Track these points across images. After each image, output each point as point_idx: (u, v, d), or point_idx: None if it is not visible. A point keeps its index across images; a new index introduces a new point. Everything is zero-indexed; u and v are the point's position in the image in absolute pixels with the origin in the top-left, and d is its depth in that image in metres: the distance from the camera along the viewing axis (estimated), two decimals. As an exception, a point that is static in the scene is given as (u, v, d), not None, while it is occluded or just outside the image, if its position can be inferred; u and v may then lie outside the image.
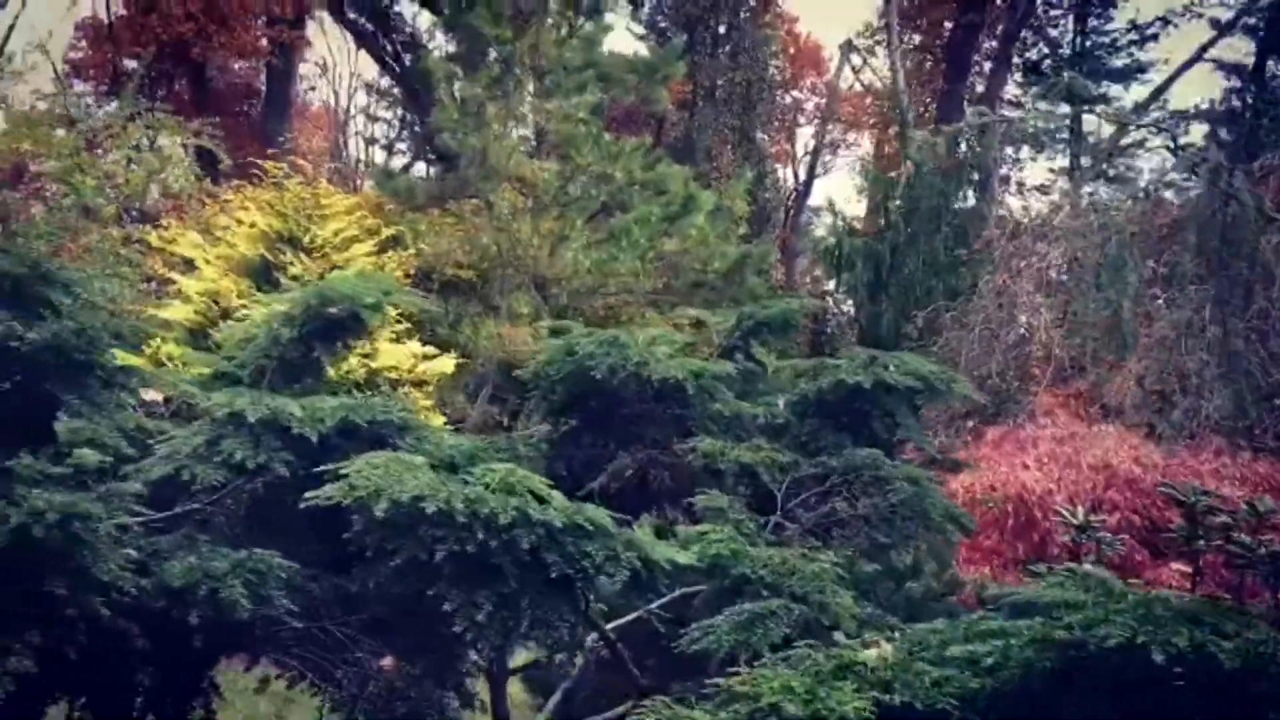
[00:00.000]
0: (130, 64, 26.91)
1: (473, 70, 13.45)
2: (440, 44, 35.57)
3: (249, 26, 20.24)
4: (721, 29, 23.73)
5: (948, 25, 26.68)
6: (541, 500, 3.44)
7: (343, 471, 3.40)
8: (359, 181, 29.61)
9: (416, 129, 37.56)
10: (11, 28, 28.24)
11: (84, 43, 27.68)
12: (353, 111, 40.70)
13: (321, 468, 3.54)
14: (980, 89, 25.23)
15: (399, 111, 39.02)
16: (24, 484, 3.37)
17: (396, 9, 32.96)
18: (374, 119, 39.87)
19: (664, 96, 15.49)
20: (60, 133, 10.51)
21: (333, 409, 3.94)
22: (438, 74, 12.96)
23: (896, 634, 3.04)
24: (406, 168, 32.40)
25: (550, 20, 13.11)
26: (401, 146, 38.69)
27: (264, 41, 22.26)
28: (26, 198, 10.60)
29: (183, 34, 18.93)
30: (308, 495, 3.42)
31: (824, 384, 4.95)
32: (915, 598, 5.22)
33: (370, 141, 39.62)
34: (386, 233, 11.15)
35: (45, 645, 3.27)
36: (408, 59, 34.23)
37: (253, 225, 10.43)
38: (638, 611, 4.11)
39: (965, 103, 24.47)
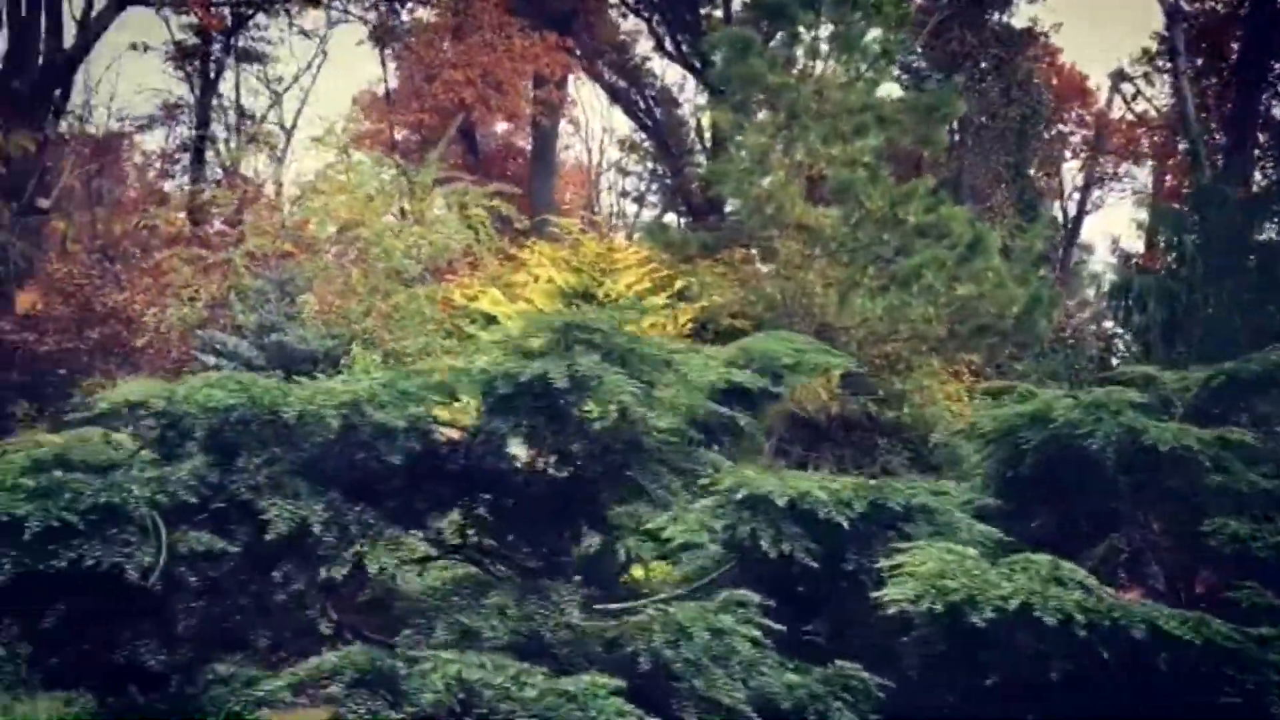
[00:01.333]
0: (402, 133, 28.68)
1: (744, 118, 13.40)
2: (689, 96, 36.14)
3: (519, 89, 21.07)
4: (983, 64, 22.95)
5: (1234, 45, 24.88)
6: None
7: (900, 566, 3.02)
8: (613, 235, 30.19)
9: (667, 181, 38.25)
10: (299, 113, 30.49)
11: (360, 114, 29.62)
12: (604, 166, 41.88)
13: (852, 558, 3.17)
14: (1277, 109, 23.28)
15: (649, 165, 39.87)
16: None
17: (648, 64, 33.76)
18: (625, 173, 40.91)
19: (941, 137, 15.00)
20: (375, 200, 11.06)
21: (855, 488, 3.61)
22: (723, 124, 12.94)
23: None
24: (657, 219, 32.91)
25: (832, 65, 12.90)
26: (652, 199, 39.54)
27: (529, 104, 23.13)
28: (343, 262, 11.23)
29: (463, 100, 19.87)
30: (884, 595, 3.03)
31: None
32: None
33: (623, 195, 40.71)
34: (679, 284, 11.18)
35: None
36: (659, 113, 34.96)
37: (549, 280, 10.67)
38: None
39: (1260, 126, 22.67)
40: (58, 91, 16.30)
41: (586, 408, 3.56)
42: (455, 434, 3.82)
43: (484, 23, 19.36)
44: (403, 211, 11.58)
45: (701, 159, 34.28)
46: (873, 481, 3.81)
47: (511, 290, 11.04)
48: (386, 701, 2.76)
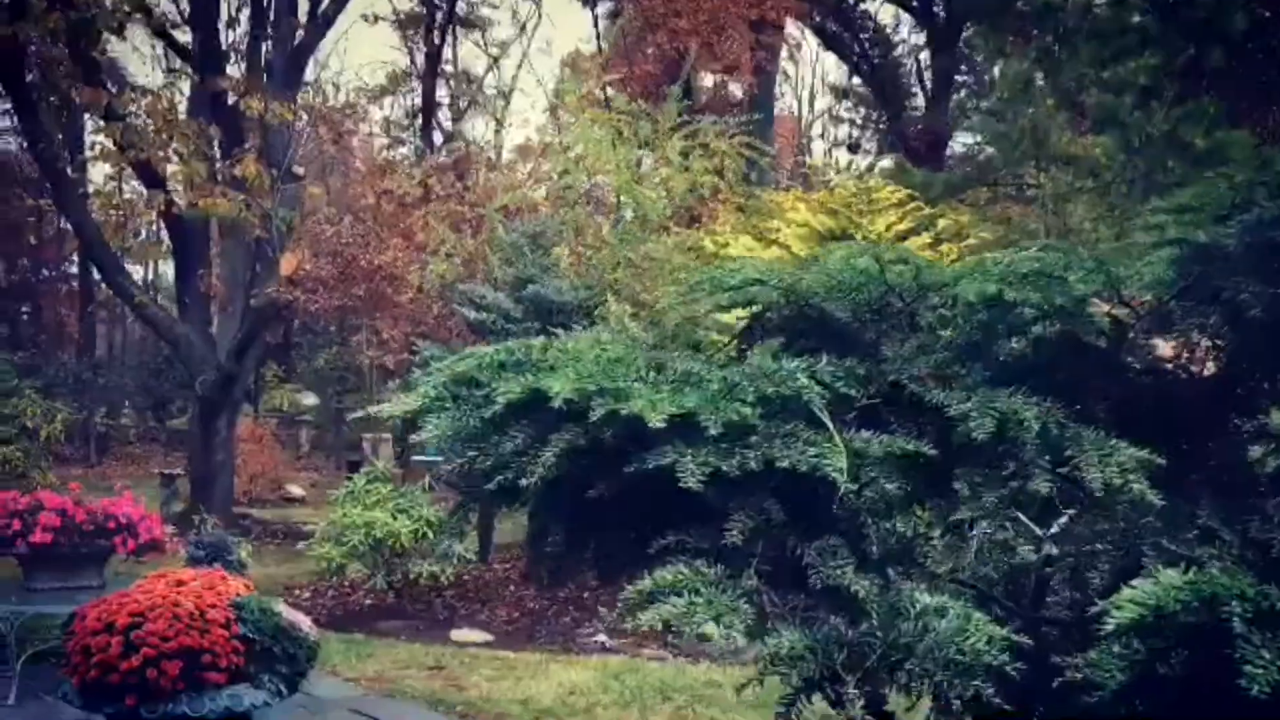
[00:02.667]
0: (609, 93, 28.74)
1: (1002, 45, 12.58)
2: (904, 37, 34.66)
3: (743, 35, 20.63)
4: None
5: None
6: None
7: None
8: (824, 183, 29.47)
9: (881, 127, 37.04)
10: (515, 75, 30.77)
11: (568, 73, 29.77)
12: (813, 115, 40.89)
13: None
14: None
15: (863, 111, 38.72)
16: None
17: (862, 7, 32.58)
18: (838, 121, 39.90)
19: (1217, 55, 13.70)
20: (620, 150, 10.90)
21: None
22: (983, 51, 12.20)
23: None
24: (871, 166, 31.92)
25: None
26: (866, 147, 38.43)
27: (748, 51, 22.63)
28: (592, 212, 11.18)
29: (682, 50, 19.61)
30: None
31: None
32: None
33: (835, 144, 39.75)
34: (942, 223, 10.61)
35: None
36: (874, 56, 33.74)
37: (804, 225, 10.31)
38: None
39: None
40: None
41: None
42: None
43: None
44: (640, 161, 11.39)
45: (920, 102, 33.01)
46: None
47: (765, 235, 10.74)
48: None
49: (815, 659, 2.36)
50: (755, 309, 3.33)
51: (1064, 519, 2.80)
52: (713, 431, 2.56)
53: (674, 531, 2.68)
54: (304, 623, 4.51)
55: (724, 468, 2.54)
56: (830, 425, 2.66)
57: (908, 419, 2.81)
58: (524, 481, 2.69)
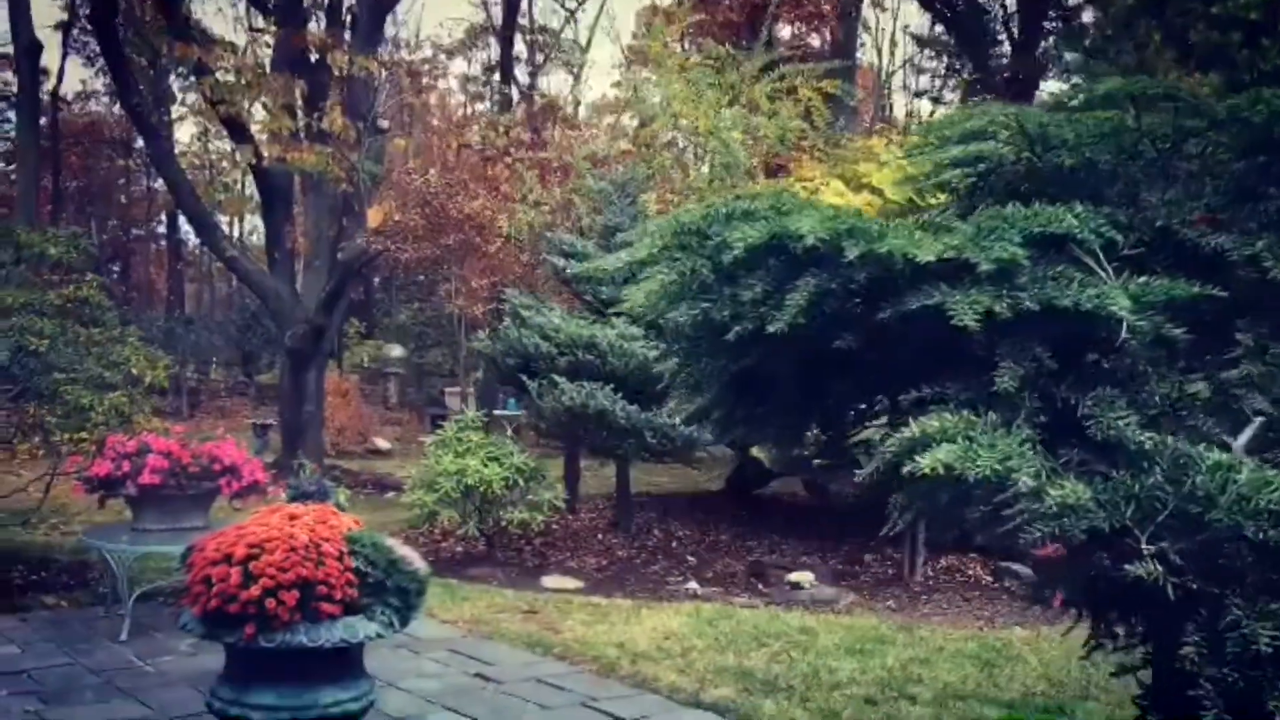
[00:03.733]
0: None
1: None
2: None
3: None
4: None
5: None
6: None
7: None
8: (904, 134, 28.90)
9: (964, 75, 36.10)
10: (593, 28, 30.60)
11: (646, 25, 29.47)
12: (894, 65, 40.04)
13: None
14: None
15: (945, 60, 37.78)
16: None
17: (946, -50, 31.67)
18: (920, 70, 39.04)
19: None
20: (709, 93, 10.74)
21: None
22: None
23: None
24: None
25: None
26: (949, 97, 37.53)
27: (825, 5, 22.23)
28: (680, 159, 11.05)
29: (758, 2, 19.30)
30: None
31: None
32: None
33: (917, 94, 38.88)
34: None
35: None
36: (958, 3, 32.81)
37: (899, 168, 10.05)
38: None
39: None
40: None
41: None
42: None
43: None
44: (732, 101, 11.21)
45: (1006, 49, 32.09)
46: None
47: (856, 180, 10.51)
48: None
49: (1104, 512, 2.26)
50: (982, 167, 3.18)
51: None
52: (984, 268, 2.43)
53: (929, 384, 2.57)
54: (415, 558, 4.53)
55: (996, 309, 2.42)
56: (1106, 267, 2.50)
57: (1177, 266, 2.63)
58: (770, 328, 2.55)
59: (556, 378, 9.95)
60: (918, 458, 2.29)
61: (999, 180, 3.16)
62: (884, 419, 2.95)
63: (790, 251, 2.61)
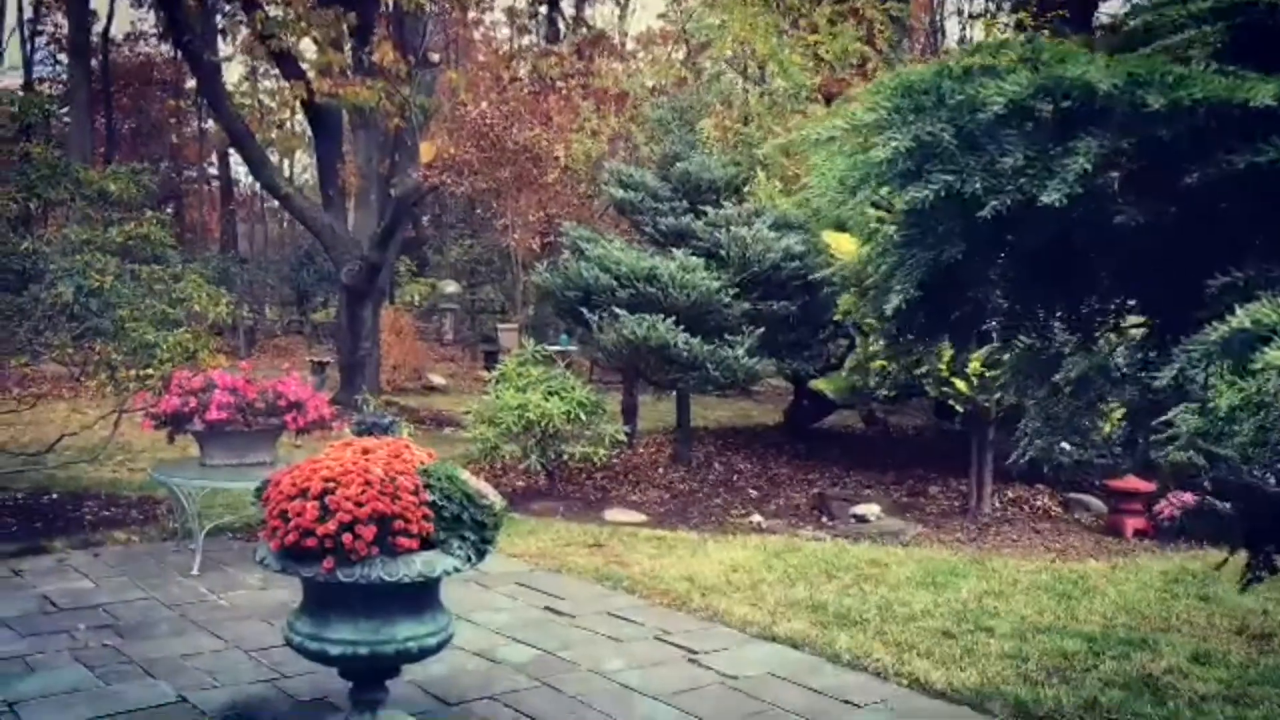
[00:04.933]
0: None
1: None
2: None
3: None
4: None
5: None
6: None
7: None
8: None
9: (1022, -4, 35.04)
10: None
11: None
12: (950, -11, 38.96)
13: None
14: None
15: (1003, -20, 36.68)
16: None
17: None
18: (976, -8, 37.95)
19: None
20: (766, 16, 10.42)
21: None
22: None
23: None
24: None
25: None
26: (1004, 20, 36.49)
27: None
28: (739, 84, 10.77)
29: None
30: None
31: None
32: None
33: (971, 17, 37.83)
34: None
35: None
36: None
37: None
38: None
39: None
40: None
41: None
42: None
43: None
44: (794, 23, 10.87)
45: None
46: None
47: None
48: None
49: None
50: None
51: None
52: None
53: (1242, 266, 2.15)
54: (489, 491, 4.45)
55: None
56: None
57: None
58: (1045, 198, 2.13)
59: (617, 310, 9.83)
60: (1252, 355, 1.87)
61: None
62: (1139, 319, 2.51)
63: (1062, 107, 2.18)
